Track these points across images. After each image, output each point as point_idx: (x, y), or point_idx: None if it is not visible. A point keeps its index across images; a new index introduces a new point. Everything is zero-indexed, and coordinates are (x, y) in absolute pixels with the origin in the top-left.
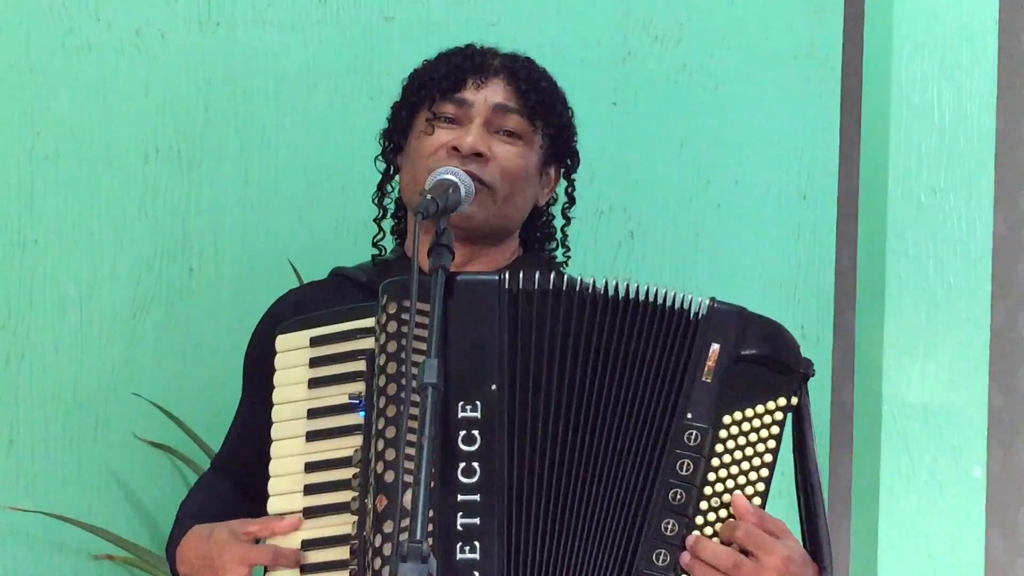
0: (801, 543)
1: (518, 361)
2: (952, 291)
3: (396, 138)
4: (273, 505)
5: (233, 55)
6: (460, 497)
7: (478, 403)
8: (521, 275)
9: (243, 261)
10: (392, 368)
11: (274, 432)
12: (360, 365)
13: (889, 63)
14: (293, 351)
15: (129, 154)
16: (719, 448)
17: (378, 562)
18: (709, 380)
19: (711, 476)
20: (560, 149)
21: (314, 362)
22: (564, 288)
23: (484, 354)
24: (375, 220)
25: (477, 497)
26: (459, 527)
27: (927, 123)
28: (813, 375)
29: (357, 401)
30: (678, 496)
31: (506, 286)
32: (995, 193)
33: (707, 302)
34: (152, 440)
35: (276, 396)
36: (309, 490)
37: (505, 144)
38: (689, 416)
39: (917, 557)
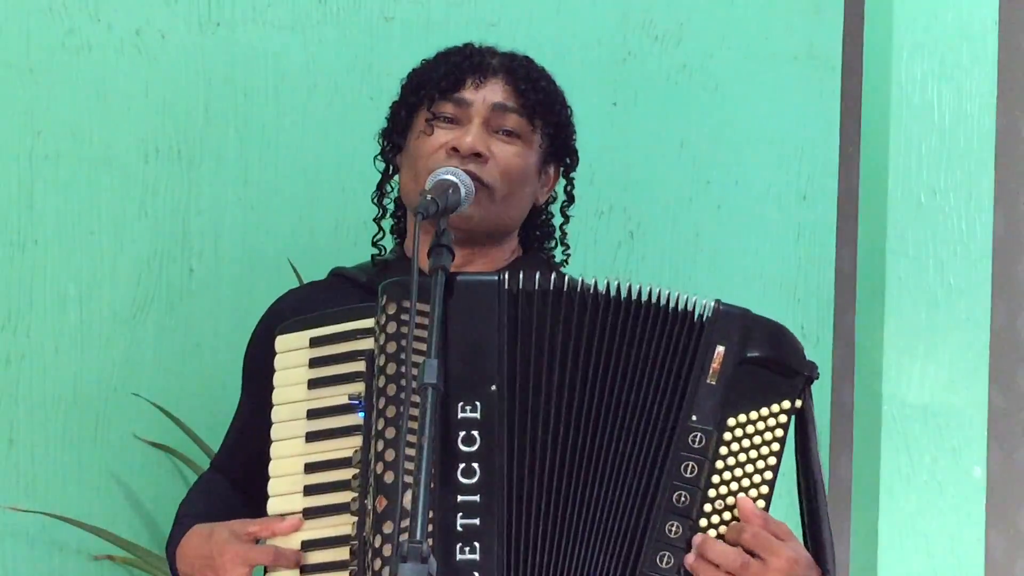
0: (802, 545)
1: (518, 362)
2: (952, 291)
3: (395, 138)
4: (273, 506)
5: (233, 55)
6: (460, 498)
7: (478, 403)
8: (521, 275)
9: (243, 261)
10: (392, 369)
11: (274, 433)
12: (360, 366)
13: (889, 63)
14: (293, 351)
15: (129, 154)
16: (723, 450)
17: (378, 563)
18: (714, 382)
19: (715, 478)
20: (559, 148)
21: (314, 362)
22: (565, 289)
23: (484, 354)
24: (375, 220)
25: (477, 498)
26: (459, 528)
27: (927, 123)
28: (817, 377)
29: (357, 402)
30: (682, 498)
31: (506, 286)
32: (995, 193)
33: (712, 304)
34: (152, 440)
35: (276, 396)
36: (309, 491)
37: (504, 143)
38: (694, 418)
39: (917, 557)
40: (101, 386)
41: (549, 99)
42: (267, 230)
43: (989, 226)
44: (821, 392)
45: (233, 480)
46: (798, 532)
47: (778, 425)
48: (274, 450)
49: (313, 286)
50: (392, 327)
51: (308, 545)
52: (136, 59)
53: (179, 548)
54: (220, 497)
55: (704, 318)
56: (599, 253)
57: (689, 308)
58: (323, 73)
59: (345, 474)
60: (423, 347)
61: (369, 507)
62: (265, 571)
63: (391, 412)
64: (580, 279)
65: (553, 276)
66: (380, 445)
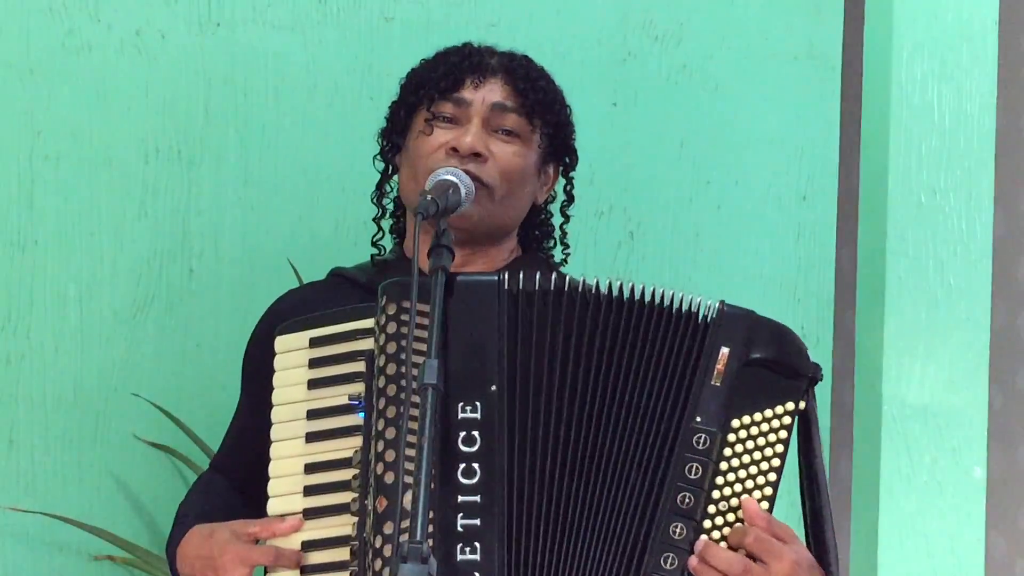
0: (806, 547)
1: (518, 362)
2: (952, 291)
3: (394, 138)
4: (273, 506)
5: (233, 56)
6: (460, 498)
7: (478, 404)
8: (521, 275)
9: (243, 261)
10: (392, 369)
11: (274, 433)
12: (360, 366)
13: (889, 63)
14: (292, 352)
15: (129, 154)
16: (727, 452)
17: (378, 563)
18: (718, 384)
19: (719, 480)
20: (559, 147)
21: (313, 363)
22: (566, 289)
23: (484, 354)
24: (374, 220)
25: (477, 498)
26: (459, 528)
27: (927, 123)
28: (821, 379)
29: (357, 402)
30: (687, 500)
31: (506, 287)
32: (995, 193)
33: (716, 305)
34: (152, 440)
35: (275, 397)
36: (309, 491)
37: (504, 143)
38: (698, 420)
39: (917, 558)
40: (101, 386)
41: (548, 98)
42: (267, 230)
43: (989, 226)
44: (821, 392)
45: (232, 480)
46: (799, 533)
47: (782, 427)
48: (274, 450)
49: (313, 286)
50: (392, 327)
51: (308, 545)
52: (136, 59)
53: (179, 548)
54: (220, 497)
55: (709, 319)
56: (599, 253)
57: (693, 309)
58: (323, 73)
59: (345, 474)
60: (423, 347)
61: (369, 508)
62: (265, 571)
63: (391, 412)
64: (582, 279)
65: (554, 276)
66: (380, 445)
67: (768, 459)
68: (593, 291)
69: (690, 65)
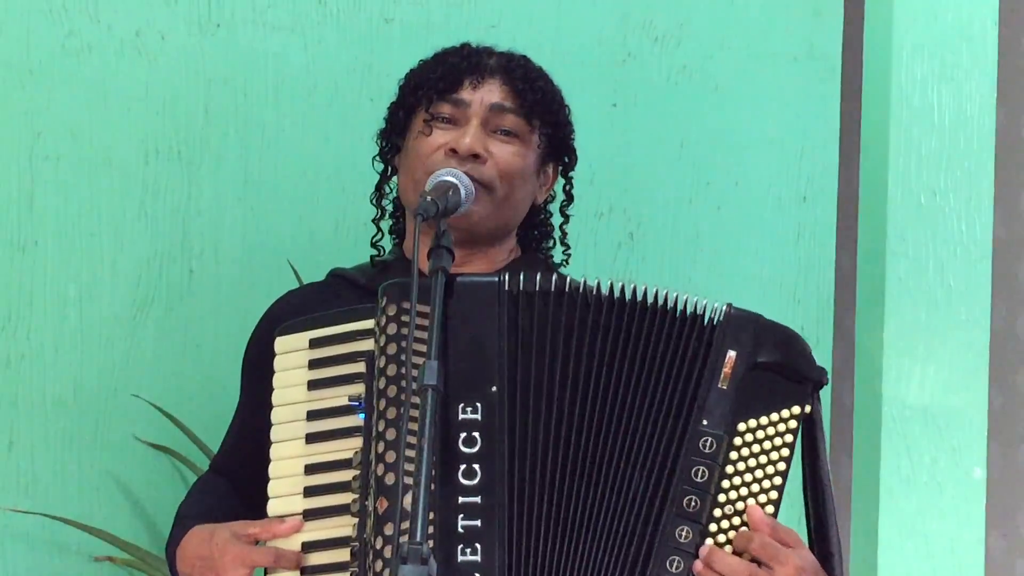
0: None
1: (519, 362)
2: (952, 292)
3: (393, 139)
4: (273, 507)
5: (233, 56)
6: (461, 499)
7: (479, 404)
8: (522, 276)
9: (243, 262)
10: (392, 370)
11: (274, 434)
12: (360, 367)
13: (889, 64)
14: (292, 353)
15: (129, 155)
16: (733, 456)
17: (379, 564)
18: (725, 387)
19: (725, 484)
20: (558, 147)
21: (313, 364)
22: (567, 290)
23: (484, 355)
24: (373, 221)
25: (478, 499)
26: (460, 529)
27: (927, 124)
28: (826, 383)
29: (357, 403)
30: (693, 503)
31: (506, 287)
32: (995, 194)
33: (723, 308)
34: (152, 442)
35: (275, 398)
36: (309, 492)
37: (503, 144)
38: (705, 423)
39: (917, 558)
40: (101, 387)
41: (547, 99)
42: (267, 231)
43: (989, 227)
44: (821, 393)
45: (232, 481)
46: (801, 535)
47: (788, 431)
48: (274, 451)
49: (312, 287)
50: (392, 328)
51: (309, 546)
52: (136, 60)
53: (179, 549)
54: (219, 498)
55: (715, 322)
56: (599, 254)
57: (699, 312)
58: (323, 74)
59: (345, 475)
60: (423, 348)
61: (370, 508)
62: (266, 572)
63: (391, 414)
64: (583, 280)
65: (555, 277)
66: (381, 446)
67: (774, 463)
68: (595, 292)
69: (690, 66)
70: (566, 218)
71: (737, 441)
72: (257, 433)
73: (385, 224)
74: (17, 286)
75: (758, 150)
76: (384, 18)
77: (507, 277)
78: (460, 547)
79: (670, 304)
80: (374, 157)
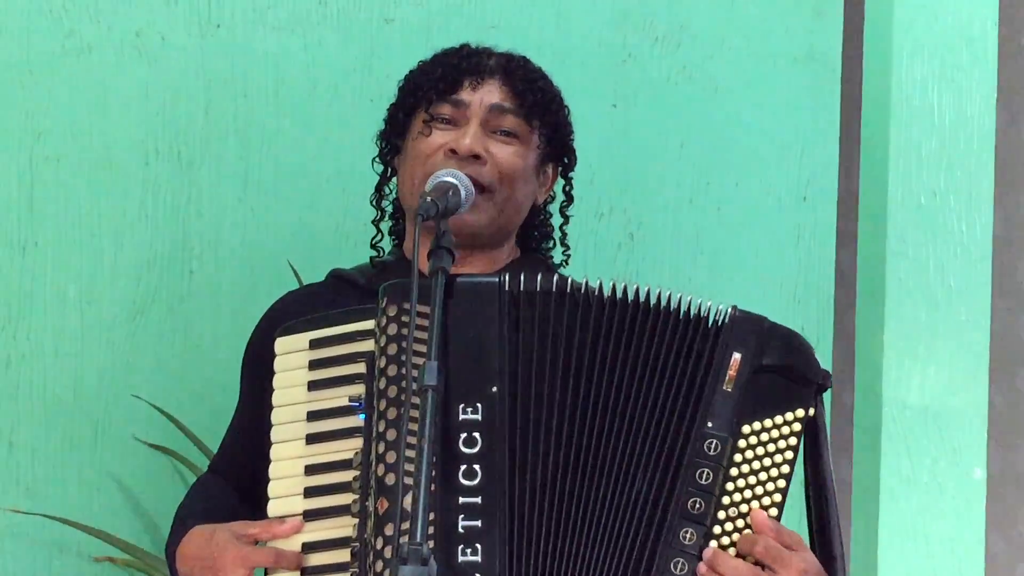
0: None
1: (519, 363)
2: (952, 293)
3: (393, 140)
4: (273, 508)
5: (233, 57)
6: (461, 499)
7: (479, 405)
8: (522, 276)
9: (243, 263)
10: (392, 371)
11: (274, 435)
12: (360, 367)
13: (889, 65)
14: (292, 353)
15: (129, 156)
16: (737, 458)
17: (379, 564)
18: (730, 389)
19: (729, 486)
20: (557, 148)
21: (313, 364)
22: (567, 290)
23: (485, 356)
24: (373, 222)
25: (479, 499)
26: (460, 529)
27: (927, 125)
28: (830, 386)
29: (357, 403)
30: (697, 505)
31: (506, 288)
32: (995, 194)
33: (728, 310)
34: (152, 442)
35: (276, 399)
36: (309, 493)
37: (502, 144)
38: (709, 425)
39: (917, 558)
40: (101, 388)
41: (546, 99)
42: (267, 231)
43: (989, 227)
44: None
45: (232, 481)
46: (804, 537)
47: (792, 433)
48: (274, 452)
49: (312, 288)
50: (392, 329)
51: (309, 547)
52: (136, 61)
53: (179, 549)
54: (219, 498)
55: (720, 324)
56: (599, 254)
57: (703, 313)
58: (323, 75)
59: (346, 476)
60: (423, 349)
61: (370, 509)
62: (266, 573)
63: (392, 414)
64: (584, 280)
65: (555, 277)
66: (381, 447)
67: (778, 465)
68: (596, 293)
69: (690, 66)
70: (566, 219)
71: (741, 444)
72: (257, 434)
73: (385, 225)
74: (17, 286)
75: (758, 150)
76: (384, 18)
77: (507, 278)
78: (460, 547)
79: (672, 305)
80: (374, 158)
